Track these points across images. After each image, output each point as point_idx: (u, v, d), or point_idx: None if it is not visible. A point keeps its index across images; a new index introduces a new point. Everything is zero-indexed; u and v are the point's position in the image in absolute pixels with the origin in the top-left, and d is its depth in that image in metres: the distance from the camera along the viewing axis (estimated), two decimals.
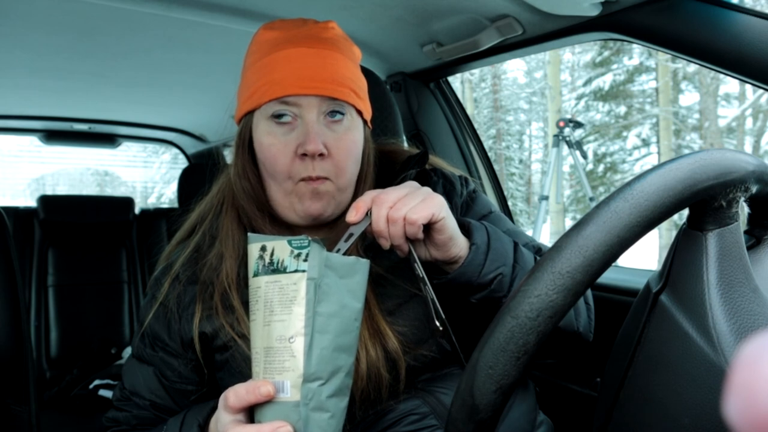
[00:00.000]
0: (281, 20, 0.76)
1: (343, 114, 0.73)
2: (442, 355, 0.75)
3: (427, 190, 0.65)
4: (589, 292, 0.80)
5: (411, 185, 0.66)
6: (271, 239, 0.57)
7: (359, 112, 0.75)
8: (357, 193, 0.77)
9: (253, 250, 0.58)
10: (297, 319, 0.55)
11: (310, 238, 0.56)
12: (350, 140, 0.73)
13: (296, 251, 0.56)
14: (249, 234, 0.60)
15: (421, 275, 0.65)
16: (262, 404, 0.56)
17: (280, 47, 0.72)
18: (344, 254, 0.60)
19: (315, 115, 0.71)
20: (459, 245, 0.66)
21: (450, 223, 0.64)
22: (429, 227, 0.64)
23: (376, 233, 0.64)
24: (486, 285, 0.68)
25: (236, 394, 0.56)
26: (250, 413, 0.58)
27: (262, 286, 0.57)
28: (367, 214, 0.64)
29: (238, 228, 0.77)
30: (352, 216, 0.63)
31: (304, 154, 0.70)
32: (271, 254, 0.57)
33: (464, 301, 0.71)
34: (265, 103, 0.71)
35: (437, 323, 0.64)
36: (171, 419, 0.73)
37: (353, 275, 0.58)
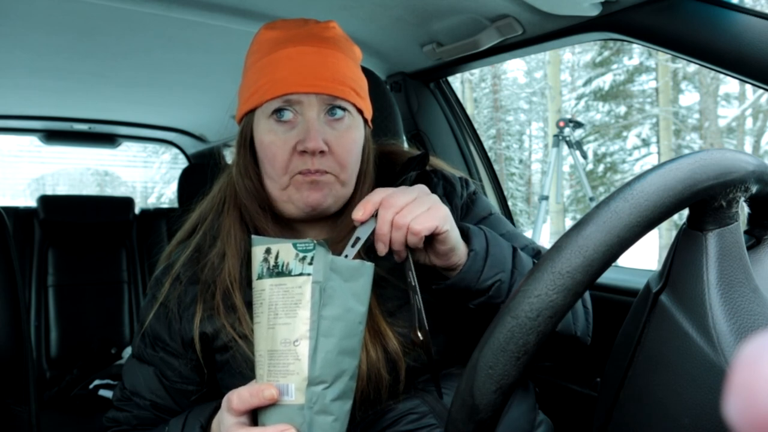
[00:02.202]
0: (282, 20, 0.77)
1: (344, 112, 0.73)
2: (441, 356, 0.75)
3: (435, 198, 0.65)
4: (587, 296, 0.80)
5: (419, 189, 0.65)
6: (276, 242, 0.57)
7: (360, 111, 0.75)
8: (357, 192, 0.77)
9: (258, 252, 0.58)
10: (302, 322, 0.55)
11: (315, 241, 0.56)
12: (351, 138, 0.73)
13: (301, 254, 0.56)
14: (253, 236, 0.59)
15: (413, 284, 0.64)
16: (266, 407, 0.56)
17: (282, 46, 0.72)
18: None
19: (316, 113, 0.71)
20: (459, 253, 0.67)
21: (453, 235, 0.64)
22: (431, 237, 0.63)
23: (377, 236, 0.64)
24: (484, 291, 0.68)
25: (240, 397, 0.56)
26: (254, 415, 0.58)
27: (266, 288, 0.57)
28: (373, 216, 0.63)
29: (241, 227, 0.77)
30: (359, 214, 0.63)
31: (304, 151, 0.70)
32: (276, 257, 0.56)
33: (462, 307, 0.71)
34: (266, 102, 0.72)
35: (419, 333, 0.64)
36: (172, 420, 0.73)
37: (358, 279, 0.58)
